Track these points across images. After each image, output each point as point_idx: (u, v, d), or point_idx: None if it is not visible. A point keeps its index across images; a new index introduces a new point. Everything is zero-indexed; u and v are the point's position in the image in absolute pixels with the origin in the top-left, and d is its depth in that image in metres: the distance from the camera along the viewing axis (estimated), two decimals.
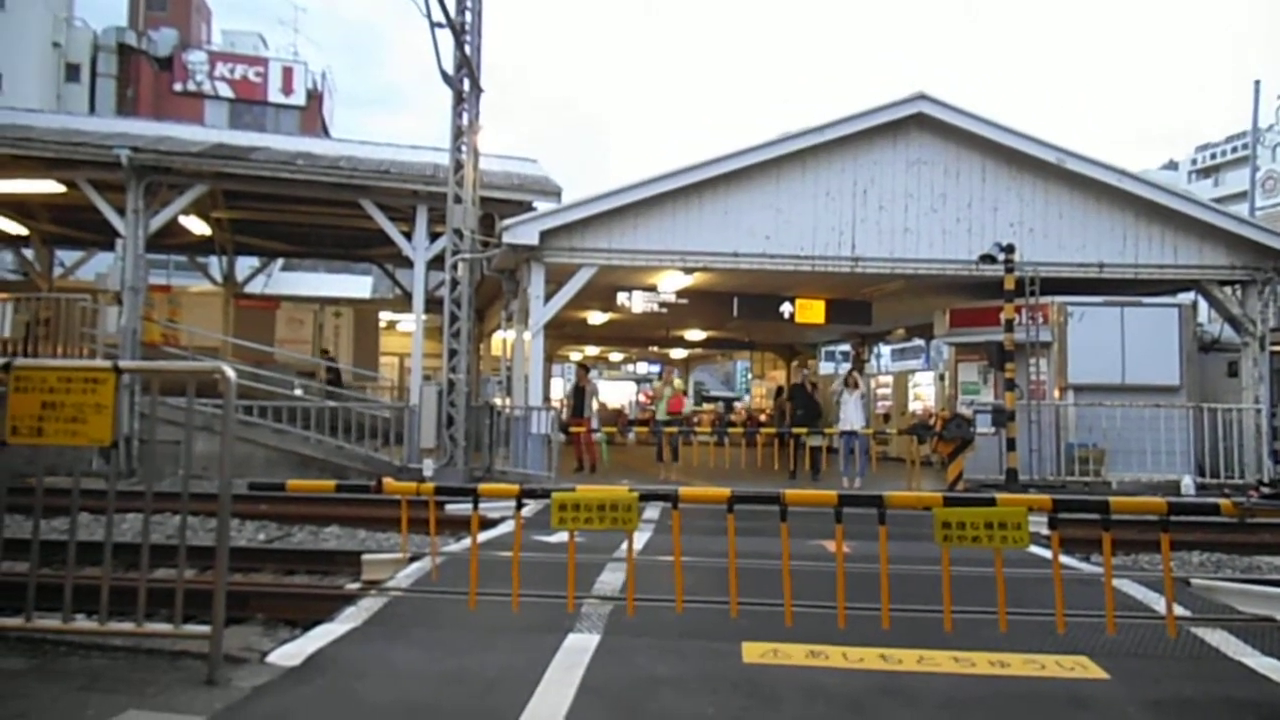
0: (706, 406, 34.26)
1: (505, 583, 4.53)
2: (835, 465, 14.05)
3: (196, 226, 16.05)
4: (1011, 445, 12.23)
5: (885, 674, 4.03)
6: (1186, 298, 14.31)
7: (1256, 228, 13.63)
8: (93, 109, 31.75)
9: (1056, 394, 13.19)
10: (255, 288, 21.04)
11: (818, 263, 12.78)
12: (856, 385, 13.65)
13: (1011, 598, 4.12)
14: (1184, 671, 4.16)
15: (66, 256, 19.44)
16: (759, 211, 12.67)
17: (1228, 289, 13.45)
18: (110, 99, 33.31)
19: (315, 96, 37.90)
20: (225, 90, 36.04)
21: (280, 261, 23.43)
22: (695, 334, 23.03)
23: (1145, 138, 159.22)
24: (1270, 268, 13.16)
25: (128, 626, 3.99)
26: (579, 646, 4.30)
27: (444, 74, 12.09)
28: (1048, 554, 4.33)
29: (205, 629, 3.84)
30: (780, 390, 20.82)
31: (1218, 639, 4.62)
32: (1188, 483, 12.23)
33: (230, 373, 3.99)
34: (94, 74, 33.47)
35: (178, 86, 35.45)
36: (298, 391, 14.45)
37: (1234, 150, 56.61)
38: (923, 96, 12.66)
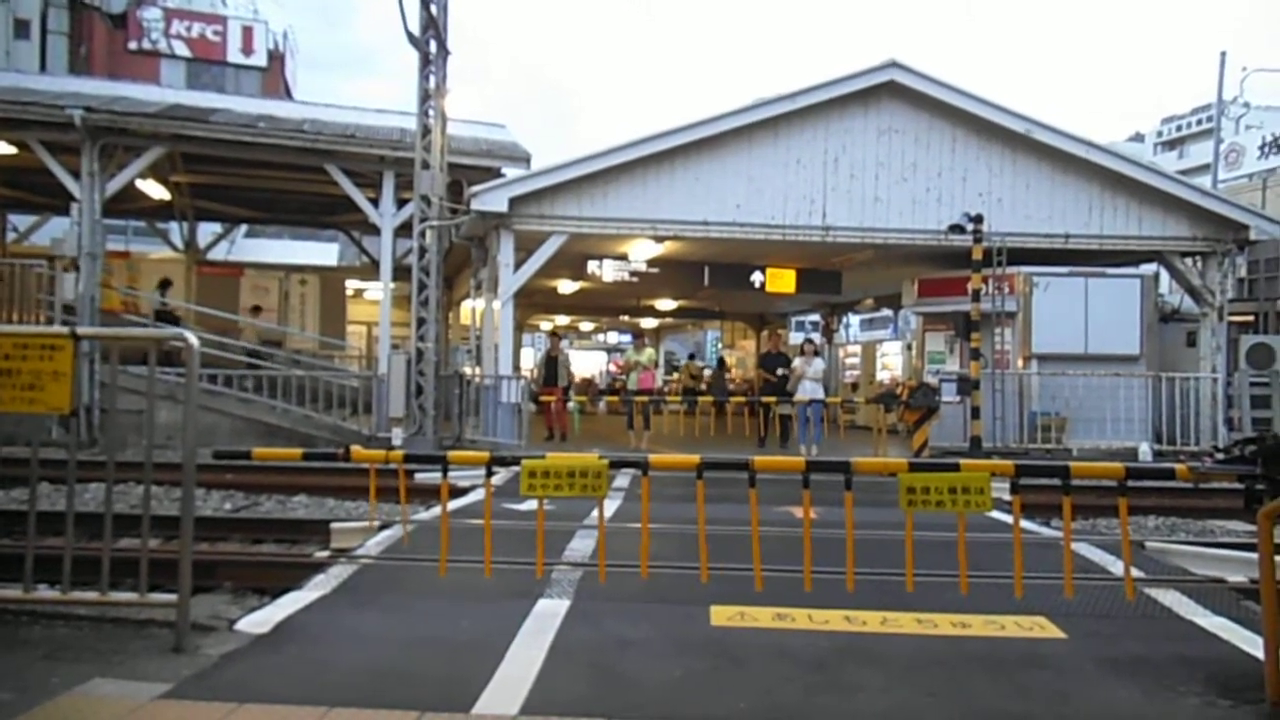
0: (677, 376, 34.35)
1: (475, 550, 4.53)
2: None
3: (155, 191, 15.66)
4: (976, 413, 12.43)
5: (849, 635, 4.11)
6: (1149, 268, 14.54)
7: (1218, 200, 13.86)
8: (43, 67, 30.65)
9: (1020, 363, 13.39)
10: (218, 255, 20.65)
11: (789, 232, 12.79)
12: (816, 353, 13.72)
13: (973, 561, 4.21)
14: (1138, 631, 4.29)
15: (20, 221, 18.90)
16: (730, 180, 12.63)
17: (1189, 260, 13.69)
18: (62, 57, 32.18)
19: (277, 57, 36.95)
20: (182, 49, 34.96)
21: (243, 228, 22.96)
22: (666, 303, 23.01)
23: (1112, 109, 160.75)
24: (1230, 239, 13.40)
25: (92, 595, 3.95)
26: (549, 612, 4.33)
27: (410, 35, 11.84)
28: (1009, 518, 4.41)
29: (171, 597, 3.81)
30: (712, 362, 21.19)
31: (1171, 599, 4.76)
32: (1145, 449, 12.53)
33: (194, 340, 3.92)
34: (44, 31, 32.27)
35: (132, 45, 34.34)
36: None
37: (1199, 123, 57.23)
38: (894, 64, 12.63)
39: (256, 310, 17.75)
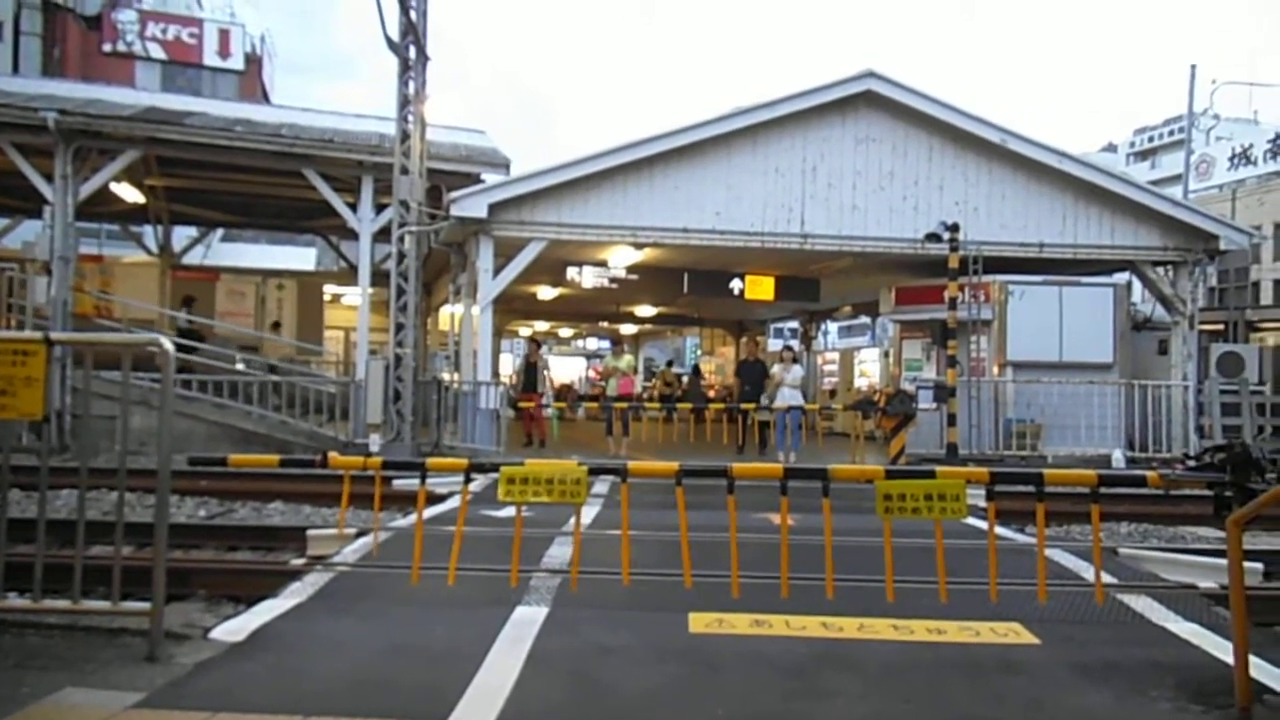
0: (654, 382, 34.35)
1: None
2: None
3: (129, 194, 15.48)
4: (952, 420, 12.52)
5: (826, 641, 4.13)
6: (1121, 278, 14.76)
7: (1189, 210, 14.10)
8: (16, 69, 30.23)
9: (996, 371, 13.53)
10: (194, 259, 20.44)
11: (767, 239, 12.86)
12: (795, 360, 13.79)
13: (949, 567, 4.24)
14: (1110, 636, 4.34)
15: None
16: (710, 187, 12.69)
17: (1160, 269, 13.91)
18: (35, 59, 31.75)
19: (254, 61, 36.68)
20: (157, 51, 34.59)
21: (219, 232, 22.76)
22: (645, 310, 23.04)
23: (1085, 120, 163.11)
24: (1201, 249, 13.63)
25: (63, 604, 3.90)
26: (527, 619, 4.32)
27: (389, 40, 11.81)
28: (984, 525, 4.46)
29: (145, 605, 3.76)
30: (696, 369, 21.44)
31: (1142, 605, 4.82)
32: (1118, 456, 12.68)
33: (168, 345, 3.89)
34: (17, 32, 31.83)
35: (107, 47, 33.94)
36: (239, 365, 14.11)
37: (1170, 134, 58.21)
38: (872, 74, 12.76)
39: (276, 327, 17.67)
